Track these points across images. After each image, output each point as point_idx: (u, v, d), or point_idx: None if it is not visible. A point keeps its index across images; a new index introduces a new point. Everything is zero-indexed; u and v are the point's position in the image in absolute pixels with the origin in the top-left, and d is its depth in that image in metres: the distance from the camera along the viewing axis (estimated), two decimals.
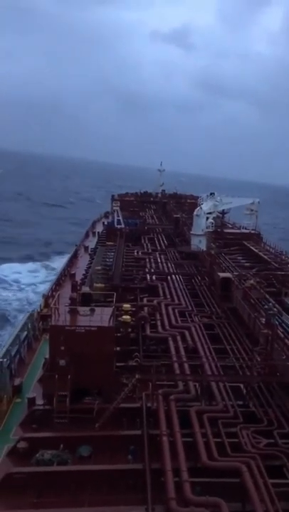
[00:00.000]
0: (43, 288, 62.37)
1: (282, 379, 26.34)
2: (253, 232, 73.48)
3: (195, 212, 64.31)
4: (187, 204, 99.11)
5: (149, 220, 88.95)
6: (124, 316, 32.28)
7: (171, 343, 30.88)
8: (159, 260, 54.08)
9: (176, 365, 27.90)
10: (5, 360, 27.64)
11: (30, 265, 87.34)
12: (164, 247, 63.97)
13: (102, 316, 26.50)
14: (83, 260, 61.40)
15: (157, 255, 56.61)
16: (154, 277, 46.11)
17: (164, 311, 36.03)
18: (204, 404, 24.53)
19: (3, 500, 19.42)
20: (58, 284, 49.88)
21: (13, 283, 75.68)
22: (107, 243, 64.69)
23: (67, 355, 24.76)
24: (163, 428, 21.72)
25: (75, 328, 25.71)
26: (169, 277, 46.20)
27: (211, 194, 70.03)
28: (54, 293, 43.71)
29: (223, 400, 24.52)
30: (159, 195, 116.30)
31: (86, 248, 68.87)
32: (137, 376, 25.44)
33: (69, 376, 24.40)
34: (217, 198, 69.68)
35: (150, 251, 60.33)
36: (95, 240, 73.93)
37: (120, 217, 72.89)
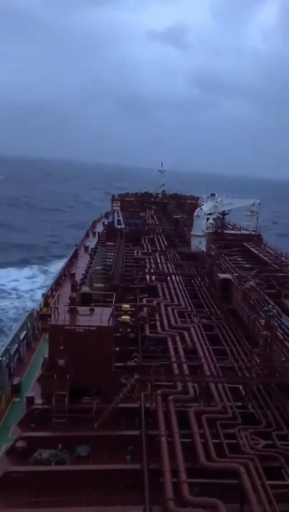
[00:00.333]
0: (41, 293, 62.18)
1: (281, 380, 26.30)
2: (253, 233, 73.51)
3: (195, 213, 64.35)
4: (187, 205, 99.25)
5: (149, 220, 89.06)
6: (123, 316, 32.32)
7: (170, 343, 30.82)
8: (158, 261, 54.06)
9: (175, 366, 27.79)
10: (4, 359, 27.69)
11: (27, 270, 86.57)
12: (164, 248, 63.92)
13: (101, 316, 26.51)
14: (83, 260, 61.51)
15: (157, 256, 56.57)
16: (153, 278, 46.12)
17: (163, 312, 35.98)
18: (203, 405, 24.51)
19: (1, 499, 19.39)
20: (57, 283, 49.91)
21: (12, 291, 75.18)
22: (107, 243, 64.78)
23: (66, 355, 24.79)
24: (161, 428, 21.67)
25: (75, 327, 25.72)
26: (168, 278, 46.18)
27: (211, 195, 69.99)
28: (54, 292, 43.76)
29: (222, 401, 24.47)
30: (160, 195, 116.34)
31: (86, 248, 68.98)
32: (135, 376, 25.45)
33: (68, 376, 24.42)
34: (217, 198, 69.65)
35: (150, 251, 60.32)
36: (95, 240, 74.04)
37: (120, 218, 72.92)
